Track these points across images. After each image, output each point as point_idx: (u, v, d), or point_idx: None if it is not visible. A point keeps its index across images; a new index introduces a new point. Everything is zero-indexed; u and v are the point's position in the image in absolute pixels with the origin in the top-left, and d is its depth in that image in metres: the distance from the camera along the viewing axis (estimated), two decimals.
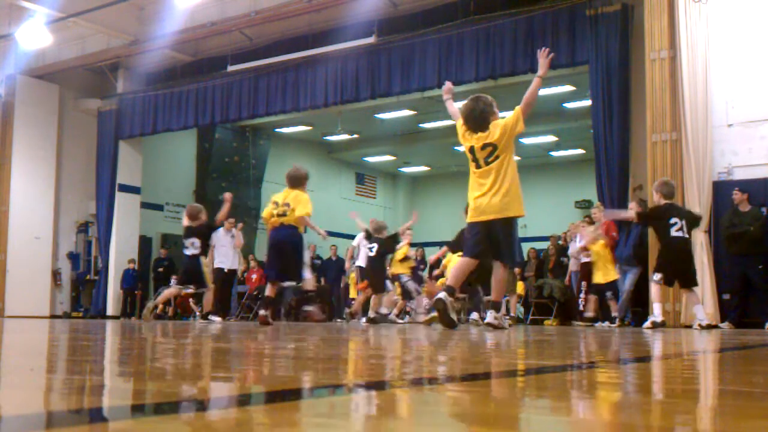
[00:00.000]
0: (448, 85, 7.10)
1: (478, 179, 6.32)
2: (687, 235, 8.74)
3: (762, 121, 10.24)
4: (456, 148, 22.47)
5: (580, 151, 21.11)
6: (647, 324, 8.89)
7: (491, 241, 6.33)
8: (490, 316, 6.57)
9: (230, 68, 16.23)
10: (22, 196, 17.61)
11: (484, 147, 6.25)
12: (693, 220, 8.98)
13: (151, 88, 17.77)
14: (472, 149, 6.33)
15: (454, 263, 9.46)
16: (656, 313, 8.82)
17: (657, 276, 8.80)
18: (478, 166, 6.32)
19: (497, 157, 6.20)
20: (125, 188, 18.32)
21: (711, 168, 10.35)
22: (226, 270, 13.76)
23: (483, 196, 6.26)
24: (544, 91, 16.60)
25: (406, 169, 25.79)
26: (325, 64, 15.19)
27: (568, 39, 12.45)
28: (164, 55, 17.00)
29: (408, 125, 20.68)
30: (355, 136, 21.99)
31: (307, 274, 8.62)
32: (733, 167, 10.36)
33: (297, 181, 8.47)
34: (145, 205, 19.01)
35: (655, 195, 8.97)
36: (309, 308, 8.78)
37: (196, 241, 10.57)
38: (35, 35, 15.56)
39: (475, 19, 13.49)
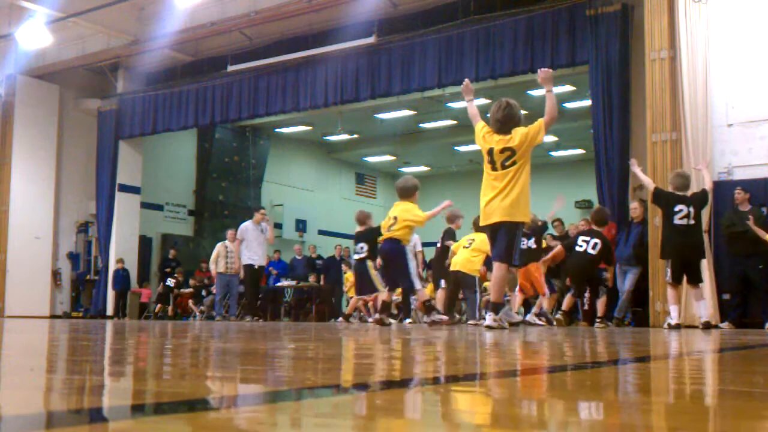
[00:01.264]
0: (468, 85, 7.14)
1: (492, 182, 6.51)
2: (693, 222, 8.74)
3: (762, 121, 10.24)
4: (456, 148, 22.51)
5: (580, 151, 21.11)
6: (665, 326, 8.91)
7: (495, 242, 6.52)
8: (489, 318, 6.58)
9: (230, 68, 16.23)
10: (22, 196, 17.60)
11: (503, 150, 6.45)
12: (701, 201, 8.95)
13: (151, 88, 17.77)
14: (491, 151, 6.52)
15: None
16: (673, 315, 8.82)
17: (668, 274, 8.83)
18: (494, 169, 6.51)
19: (514, 163, 6.42)
20: (125, 188, 18.31)
21: (711, 168, 10.33)
22: (256, 266, 13.07)
23: (493, 200, 6.45)
24: (543, 92, 16.58)
25: (406, 169, 25.74)
26: (325, 64, 15.18)
27: (568, 39, 12.45)
28: (164, 55, 16.99)
29: (408, 125, 20.67)
30: (355, 136, 21.98)
31: (419, 285, 8.65)
32: (733, 167, 10.35)
33: (406, 192, 8.57)
34: (145, 205, 18.99)
35: (669, 187, 9.01)
36: (436, 317, 8.46)
37: (365, 246, 10.62)
38: (35, 35, 15.54)
39: (475, 19, 13.48)
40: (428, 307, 8.67)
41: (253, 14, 14.89)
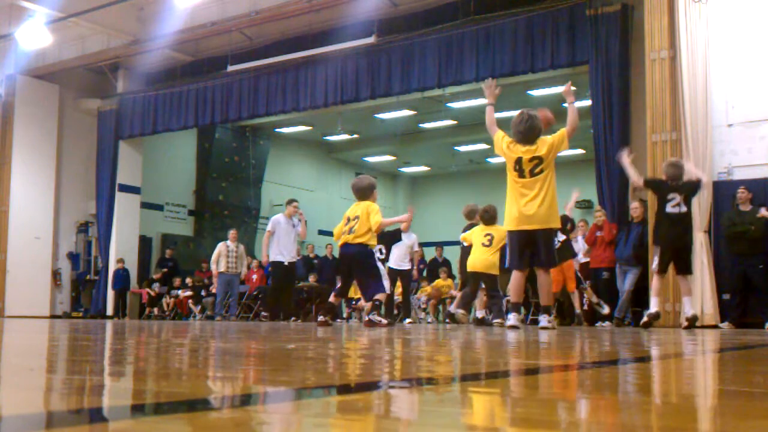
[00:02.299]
0: (495, 89, 7.23)
1: (521, 189, 6.80)
2: (684, 209, 8.65)
3: (762, 121, 10.24)
4: (456, 148, 22.52)
5: (580, 151, 21.11)
6: (644, 319, 8.81)
7: (531, 249, 6.87)
8: (543, 320, 6.97)
9: (230, 68, 16.23)
10: (22, 196, 17.60)
11: (532, 159, 6.76)
12: (692, 189, 8.84)
13: (151, 88, 17.77)
14: (519, 160, 6.79)
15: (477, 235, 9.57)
16: (652, 305, 8.72)
17: (655, 262, 8.73)
18: (521, 176, 6.80)
19: (542, 171, 6.77)
20: (125, 188, 18.31)
21: (711, 168, 10.34)
22: (286, 263, 12.12)
23: (530, 204, 6.72)
24: (543, 91, 16.63)
25: (406, 169, 25.79)
26: (325, 64, 15.19)
27: (568, 39, 12.45)
28: (164, 55, 16.99)
29: (408, 125, 20.67)
30: (355, 136, 21.98)
31: (388, 288, 8.29)
32: (733, 167, 10.35)
33: (363, 192, 8.14)
34: (145, 205, 19.00)
35: (662, 176, 8.89)
36: (374, 317, 8.10)
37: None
38: (35, 35, 15.55)
39: (475, 19, 13.49)
40: (376, 306, 8.31)
41: (253, 14, 14.89)
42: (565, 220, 10.28)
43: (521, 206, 6.75)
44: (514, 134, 6.84)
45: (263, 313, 12.43)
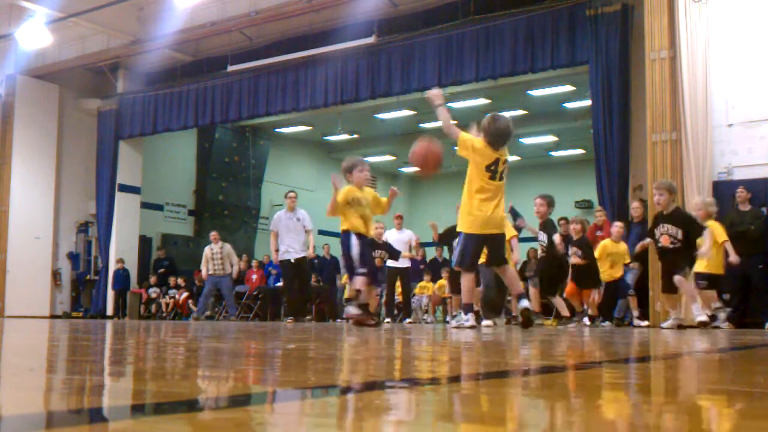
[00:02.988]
0: (437, 90, 7.41)
1: (488, 193, 6.63)
2: None
3: (762, 121, 10.24)
4: (456, 148, 22.49)
5: (580, 151, 21.11)
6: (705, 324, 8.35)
7: (490, 251, 7.07)
8: (524, 302, 6.94)
9: (230, 68, 16.23)
10: (22, 196, 17.61)
11: (505, 162, 6.69)
12: None
13: (151, 88, 17.78)
14: (497, 161, 6.61)
15: None
16: (700, 309, 8.39)
17: (703, 283, 8.82)
18: (492, 178, 6.63)
19: (503, 176, 6.70)
20: (125, 188, 18.32)
21: (711, 168, 10.34)
22: (293, 260, 11.73)
23: (496, 209, 6.66)
24: (544, 91, 16.63)
25: (406, 169, 25.78)
26: (325, 64, 15.19)
27: (568, 39, 12.46)
28: (164, 55, 17.00)
29: (408, 125, 20.67)
30: (355, 136, 21.99)
31: (359, 272, 7.75)
32: (733, 167, 10.35)
33: (344, 176, 8.33)
34: (145, 205, 19.01)
35: (662, 195, 8.39)
36: (351, 311, 7.77)
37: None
38: (35, 35, 15.56)
39: (475, 19, 13.49)
40: (348, 300, 8.13)
41: (253, 14, 14.90)
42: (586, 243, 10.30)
43: (488, 211, 6.61)
44: (495, 139, 6.57)
45: (287, 320, 12.10)
